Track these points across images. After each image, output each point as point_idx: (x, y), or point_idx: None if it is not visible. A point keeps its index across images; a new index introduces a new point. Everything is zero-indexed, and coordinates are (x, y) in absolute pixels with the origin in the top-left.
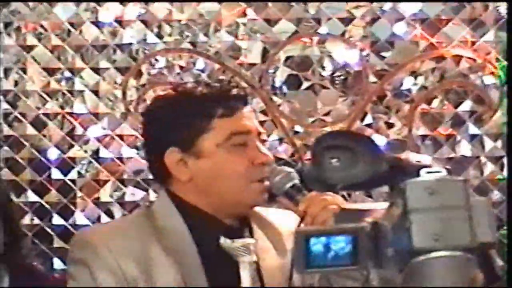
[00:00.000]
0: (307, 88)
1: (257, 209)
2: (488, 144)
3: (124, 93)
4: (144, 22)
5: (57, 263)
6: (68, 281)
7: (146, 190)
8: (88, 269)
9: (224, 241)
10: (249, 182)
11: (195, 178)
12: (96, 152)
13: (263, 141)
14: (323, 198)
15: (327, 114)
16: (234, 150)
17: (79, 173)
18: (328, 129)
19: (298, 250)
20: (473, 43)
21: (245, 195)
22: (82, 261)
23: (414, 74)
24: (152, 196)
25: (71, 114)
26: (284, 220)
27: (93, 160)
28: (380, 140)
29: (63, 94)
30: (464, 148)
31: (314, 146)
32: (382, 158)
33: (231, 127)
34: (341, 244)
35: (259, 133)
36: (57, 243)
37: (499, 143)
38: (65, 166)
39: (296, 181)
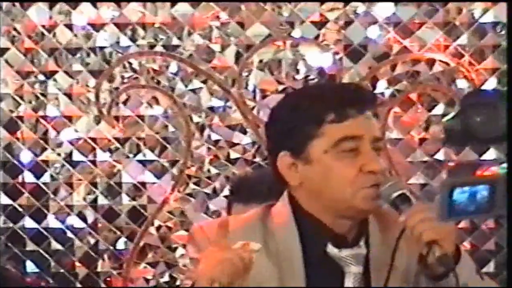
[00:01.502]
0: (280, 92)
1: (386, 210)
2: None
3: (97, 96)
4: (117, 25)
5: (30, 266)
6: None
7: (119, 194)
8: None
9: (331, 249)
10: (358, 189)
11: (305, 183)
12: (69, 155)
13: (380, 148)
14: (424, 210)
15: None
16: (342, 156)
17: (52, 176)
18: None
19: (442, 200)
20: (447, 46)
21: (354, 201)
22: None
23: (388, 77)
24: (125, 199)
25: (44, 117)
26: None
27: (66, 163)
28: None
29: (36, 97)
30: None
31: (461, 103)
32: None
33: (340, 133)
34: (480, 193)
35: (376, 140)
36: (30, 246)
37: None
38: (38, 169)
39: (405, 190)
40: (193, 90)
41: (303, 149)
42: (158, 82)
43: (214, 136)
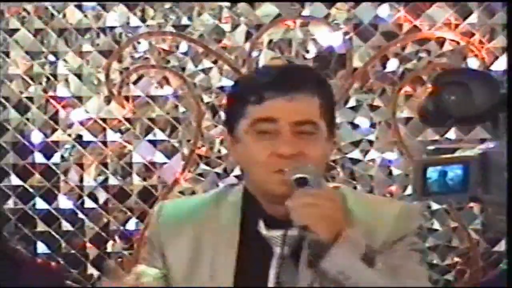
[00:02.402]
0: None
1: (355, 198)
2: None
3: (107, 77)
4: (127, 5)
5: (41, 247)
6: None
7: (130, 174)
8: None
9: (261, 228)
10: (270, 173)
11: (239, 162)
12: (79, 136)
13: (304, 132)
14: (306, 194)
15: None
16: (259, 138)
17: (62, 157)
18: None
19: (416, 178)
20: (457, 25)
21: (268, 184)
22: None
23: (398, 56)
24: (135, 179)
25: (54, 97)
26: (373, 209)
27: (76, 144)
28: (363, 123)
29: (46, 77)
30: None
31: (433, 83)
32: (497, 92)
33: (257, 114)
34: (455, 172)
35: (299, 124)
36: (41, 227)
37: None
38: (49, 150)
39: (305, 175)
40: (203, 70)
41: (233, 128)
42: (168, 62)
43: (223, 115)
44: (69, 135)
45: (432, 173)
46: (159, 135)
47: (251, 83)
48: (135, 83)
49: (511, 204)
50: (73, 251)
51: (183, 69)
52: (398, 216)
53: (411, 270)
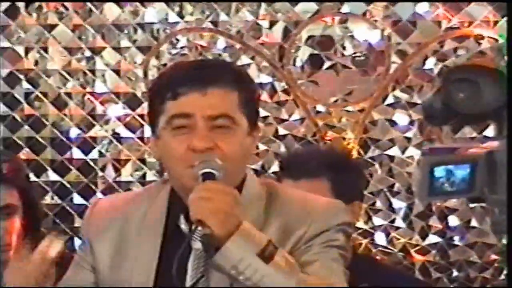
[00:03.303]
0: (328, 68)
1: (291, 196)
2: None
3: (145, 73)
4: (165, 1)
5: (78, 243)
6: None
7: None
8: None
9: (180, 222)
10: (184, 167)
11: (160, 158)
12: (117, 132)
13: (221, 126)
14: (203, 188)
15: (348, 93)
16: (174, 134)
17: (100, 152)
18: (350, 108)
19: (422, 177)
20: (496, 22)
21: (184, 179)
22: None
23: (436, 53)
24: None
25: (92, 93)
26: (298, 206)
27: (113, 140)
28: (402, 120)
29: (84, 73)
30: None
31: (443, 80)
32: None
33: (172, 110)
34: (461, 172)
35: (214, 118)
36: (78, 222)
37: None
38: (86, 145)
39: (211, 169)
40: (241, 66)
41: (154, 125)
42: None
43: (263, 113)
44: (107, 131)
45: (439, 172)
46: None
47: (167, 80)
48: None
49: (511, 203)
50: None
51: None
52: (321, 212)
53: (323, 266)
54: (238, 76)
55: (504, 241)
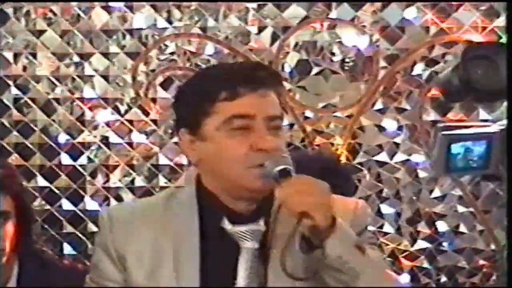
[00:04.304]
0: (317, 74)
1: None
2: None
3: (133, 78)
4: (154, 7)
5: (67, 248)
6: None
7: (156, 176)
8: (97, 248)
9: (226, 224)
10: (247, 167)
11: (203, 160)
12: (105, 137)
13: (277, 127)
14: (298, 182)
15: (337, 99)
16: (234, 134)
17: (88, 158)
18: (338, 114)
19: (440, 153)
20: (484, 28)
21: (244, 179)
22: (96, 238)
23: (425, 59)
24: (162, 181)
25: (80, 99)
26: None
27: (102, 145)
28: (390, 126)
29: (73, 79)
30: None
31: (461, 57)
32: None
33: (231, 111)
34: (478, 148)
35: (272, 118)
36: (67, 228)
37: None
38: (75, 151)
39: (287, 166)
40: None
41: (198, 126)
42: (195, 64)
43: None
44: (95, 136)
45: (457, 148)
46: None
47: (217, 81)
48: (161, 85)
49: (511, 204)
50: None
51: None
52: (354, 211)
53: (380, 261)
54: (280, 78)
55: (493, 246)
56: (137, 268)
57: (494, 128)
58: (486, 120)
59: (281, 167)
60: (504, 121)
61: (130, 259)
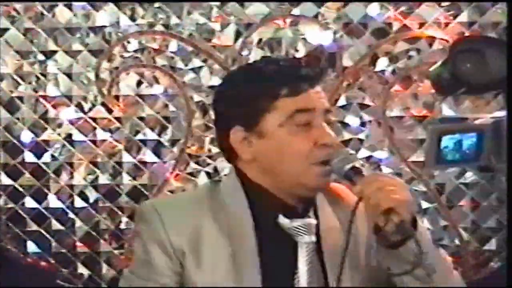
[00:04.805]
0: None
1: (334, 185)
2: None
3: (97, 76)
4: (117, 4)
5: (31, 246)
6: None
7: (120, 173)
8: (143, 242)
9: (282, 220)
10: (311, 164)
11: (259, 157)
12: (69, 135)
13: (330, 121)
14: (380, 179)
15: None
16: (296, 130)
17: (52, 156)
18: None
19: (430, 146)
20: (447, 24)
21: (307, 177)
22: (138, 233)
23: (388, 55)
24: (126, 179)
25: (44, 97)
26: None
27: (66, 143)
28: (354, 122)
29: (36, 77)
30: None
31: (449, 50)
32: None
33: (294, 106)
34: (468, 141)
35: (327, 112)
36: (31, 226)
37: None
38: (39, 149)
39: (356, 163)
40: (194, 69)
41: (256, 123)
42: (158, 62)
43: None
44: (59, 134)
45: (447, 141)
46: (149, 134)
47: (276, 77)
48: (125, 82)
49: (511, 204)
50: (63, 251)
51: (173, 68)
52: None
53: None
54: (327, 73)
55: (457, 241)
56: (194, 262)
57: (486, 120)
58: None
59: (351, 164)
60: (496, 113)
61: (188, 252)
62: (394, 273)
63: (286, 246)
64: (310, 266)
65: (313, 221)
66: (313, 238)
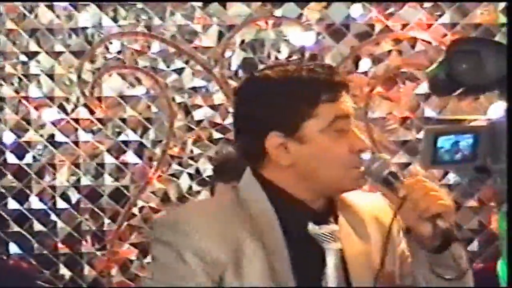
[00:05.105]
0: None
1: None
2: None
3: (79, 77)
4: (99, 5)
5: (13, 248)
6: (152, 262)
7: (102, 175)
8: (175, 251)
9: (312, 227)
10: (348, 169)
11: (297, 163)
12: (51, 136)
13: (356, 127)
14: (426, 185)
15: None
16: (335, 136)
17: (34, 157)
18: None
19: (426, 147)
20: (429, 25)
21: (345, 181)
22: (169, 243)
23: (370, 56)
24: (108, 180)
25: (26, 98)
26: (367, 203)
27: (48, 144)
28: None
29: (19, 78)
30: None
31: (446, 51)
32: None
33: (335, 112)
34: (464, 142)
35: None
36: (13, 227)
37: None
38: (21, 150)
39: (393, 168)
40: (176, 70)
41: (297, 129)
42: (140, 63)
43: (197, 116)
44: (41, 135)
45: (443, 142)
46: (131, 135)
47: (318, 83)
48: (107, 83)
49: (511, 204)
50: (45, 252)
51: (155, 69)
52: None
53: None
54: None
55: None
56: (235, 275)
57: (481, 121)
58: (429, 118)
59: (390, 169)
60: (494, 114)
61: (228, 264)
62: (445, 278)
63: (314, 253)
64: (337, 274)
65: (336, 227)
66: (339, 245)
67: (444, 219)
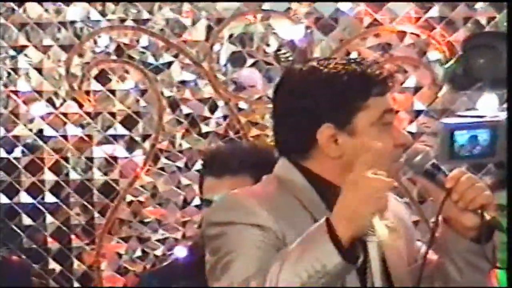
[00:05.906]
0: (251, 65)
1: None
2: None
3: (68, 71)
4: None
5: (2, 242)
6: (210, 244)
7: (91, 169)
8: (241, 224)
9: None
10: (392, 161)
11: (346, 155)
12: (40, 130)
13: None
14: (471, 177)
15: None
16: (383, 129)
17: (23, 151)
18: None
19: (443, 141)
20: (418, 19)
21: (389, 173)
22: (233, 222)
23: (359, 50)
24: (97, 174)
25: (15, 92)
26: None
27: (37, 139)
28: None
29: (7, 72)
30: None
31: (462, 46)
32: None
33: (383, 106)
34: (482, 136)
35: None
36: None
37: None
38: (9, 144)
39: (435, 160)
40: (164, 64)
41: (349, 121)
42: (129, 57)
43: (186, 110)
44: (30, 129)
45: (460, 137)
46: (120, 129)
47: (370, 76)
48: (96, 77)
49: (511, 204)
50: (34, 246)
51: (144, 63)
52: None
53: None
54: None
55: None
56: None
57: (499, 116)
58: (420, 111)
59: (432, 161)
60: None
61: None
62: (482, 269)
63: (356, 244)
64: (380, 266)
65: (376, 221)
66: (378, 238)
67: (489, 210)
